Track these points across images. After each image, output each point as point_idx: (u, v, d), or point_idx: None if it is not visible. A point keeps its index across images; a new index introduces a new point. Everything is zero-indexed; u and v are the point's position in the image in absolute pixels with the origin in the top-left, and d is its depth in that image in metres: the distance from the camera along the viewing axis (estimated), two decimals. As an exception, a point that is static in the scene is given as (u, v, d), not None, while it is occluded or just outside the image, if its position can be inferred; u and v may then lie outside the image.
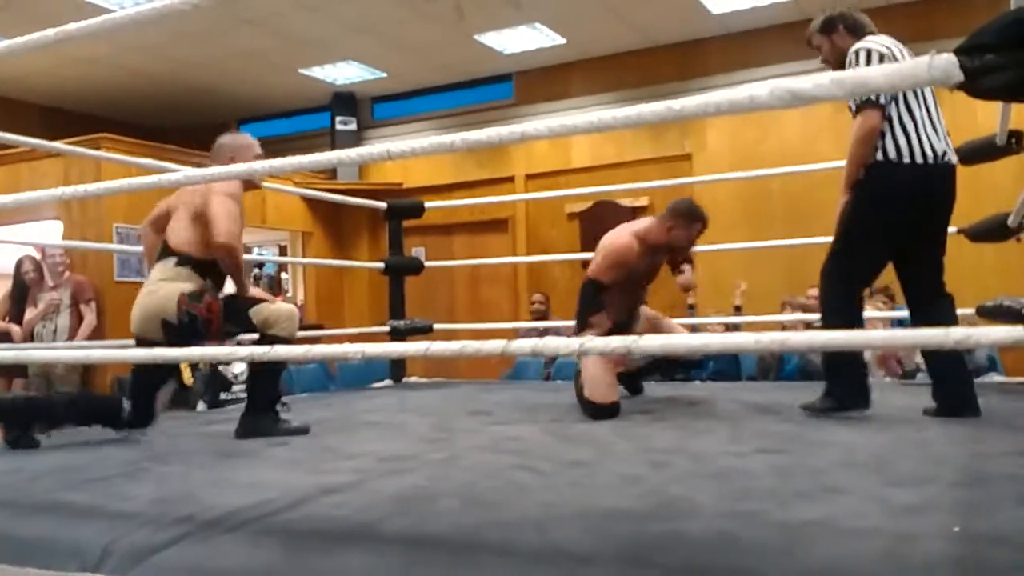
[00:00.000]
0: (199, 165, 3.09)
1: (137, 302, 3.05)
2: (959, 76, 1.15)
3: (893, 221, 2.81)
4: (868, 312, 4.42)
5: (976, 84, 1.14)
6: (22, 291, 6.35)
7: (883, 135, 2.78)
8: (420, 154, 1.70)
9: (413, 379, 5.31)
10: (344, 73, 8.83)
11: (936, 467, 2.06)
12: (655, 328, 3.60)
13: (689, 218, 3.50)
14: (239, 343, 3.75)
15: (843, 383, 2.84)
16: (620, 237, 3.59)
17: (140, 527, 1.70)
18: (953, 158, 2.83)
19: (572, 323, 6.83)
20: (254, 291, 3.36)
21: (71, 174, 6.72)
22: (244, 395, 6.00)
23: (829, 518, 1.60)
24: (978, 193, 4.89)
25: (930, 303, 2.91)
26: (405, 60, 8.42)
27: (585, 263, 7.99)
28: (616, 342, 1.45)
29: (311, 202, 8.72)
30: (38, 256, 6.46)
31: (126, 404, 3.02)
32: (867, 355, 3.92)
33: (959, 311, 3.00)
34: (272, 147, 9.24)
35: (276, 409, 3.06)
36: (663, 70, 7.93)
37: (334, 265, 8.91)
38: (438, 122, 9.11)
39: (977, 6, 2.49)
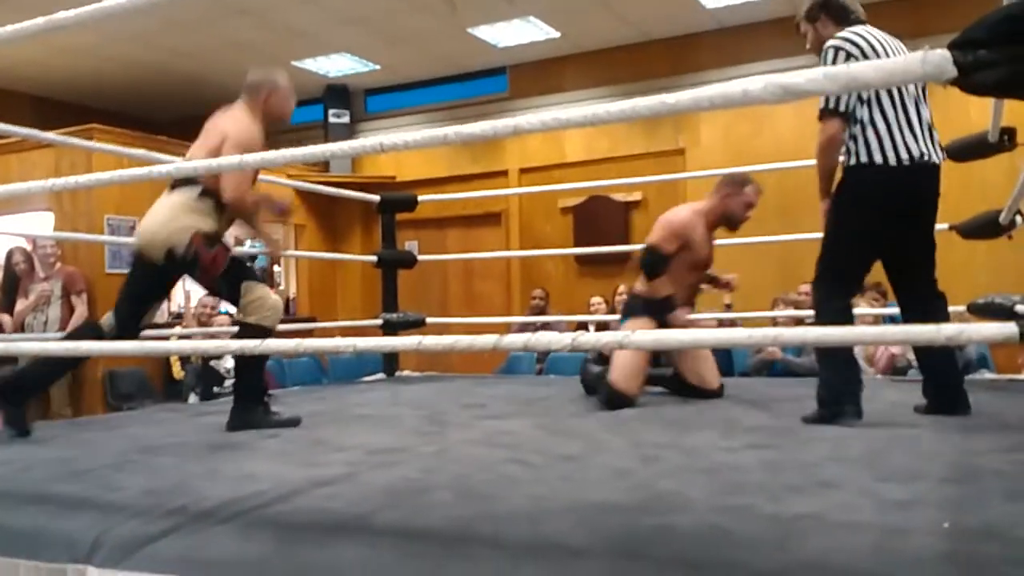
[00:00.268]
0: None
1: (152, 220, 2.98)
2: (952, 72, 1.15)
3: (873, 224, 2.76)
4: (860, 309, 4.44)
5: (969, 80, 1.14)
6: (13, 282, 6.32)
7: (855, 139, 2.74)
8: (413, 147, 1.70)
9: (406, 373, 5.31)
10: (337, 65, 8.80)
11: (926, 463, 2.07)
12: (692, 357, 3.59)
13: (740, 183, 3.63)
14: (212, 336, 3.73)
15: (835, 389, 2.75)
16: (679, 212, 3.70)
17: (131, 518, 1.69)
18: (935, 158, 2.76)
19: (567, 318, 6.89)
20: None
21: (62, 165, 6.69)
22: (235, 388, 5.98)
23: (820, 512, 1.61)
24: (970, 190, 4.91)
25: (922, 304, 2.86)
26: (399, 52, 8.39)
27: (578, 258, 8.07)
28: (608, 336, 1.45)
29: (304, 195, 8.70)
30: (29, 247, 6.43)
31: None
32: (857, 351, 3.93)
33: (950, 308, 3.00)
34: (264, 139, 9.22)
35: (266, 401, 3.06)
36: (657, 65, 7.92)
37: (327, 258, 8.88)
38: (432, 115, 9.09)
39: (967, 2, 2.48)
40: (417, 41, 8.09)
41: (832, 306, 2.80)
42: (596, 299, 6.98)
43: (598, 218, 8.10)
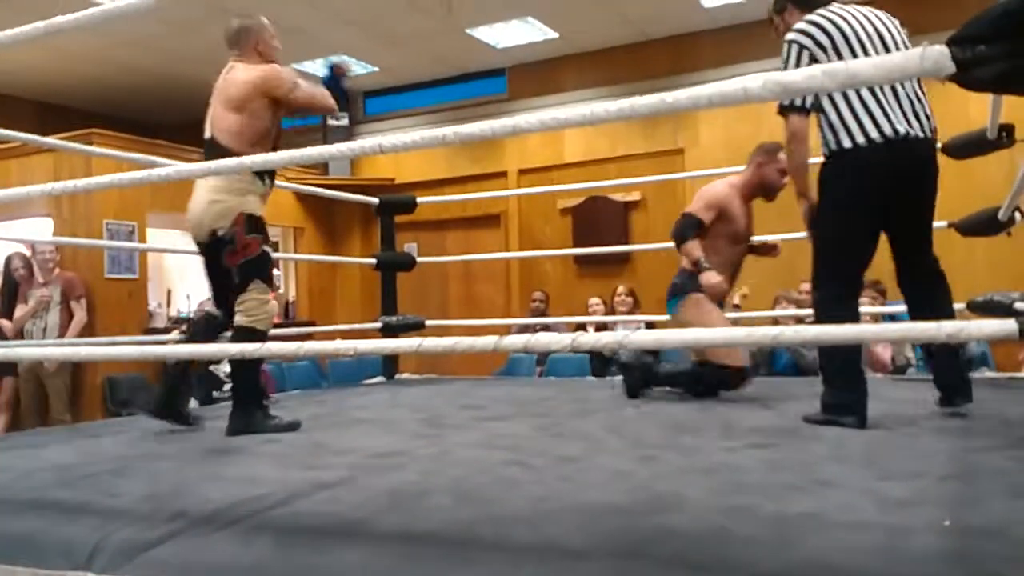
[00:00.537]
0: (192, 160, 3.09)
1: (194, 205, 3.04)
2: (951, 67, 1.14)
3: (859, 212, 2.65)
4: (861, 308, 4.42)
5: (967, 75, 1.14)
6: (12, 288, 6.32)
7: (830, 127, 2.63)
8: (412, 148, 1.70)
9: (405, 375, 5.30)
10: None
11: (926, 461, 2.06)
12: None
13: (773, 151, 3.62)
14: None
15: (841, 394, 2.65)
16: (715, 185, 3.72)
17: (131, 524, 1.69)
18: (919, 132, 2.60)
19: (566, 319, 6.88)
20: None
21: (61, 170, 6.69)
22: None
23: (820, 512, 1.60)
24: (969, 187, 4.90)
25: (922, 282, 2.78)
26: (397, 54, 8.39)
27: (578, 258, 8.06)
28: (607, 337, 1.44)
29: (303, 197, 8.70)
30: (28, 253, 6.42)
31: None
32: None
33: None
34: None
35: (264, 405, 3.05)
36: (655, 64, 7.92)
37: (326, 261, 8.87)
38: (430, 117, 9.09)
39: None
40: (415, 42, 8.09)
41: (832, 306, 2.66)
42: (594, 300, 6.98)
43: (597, 219, 8.09)
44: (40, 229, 7.15)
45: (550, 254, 8.04)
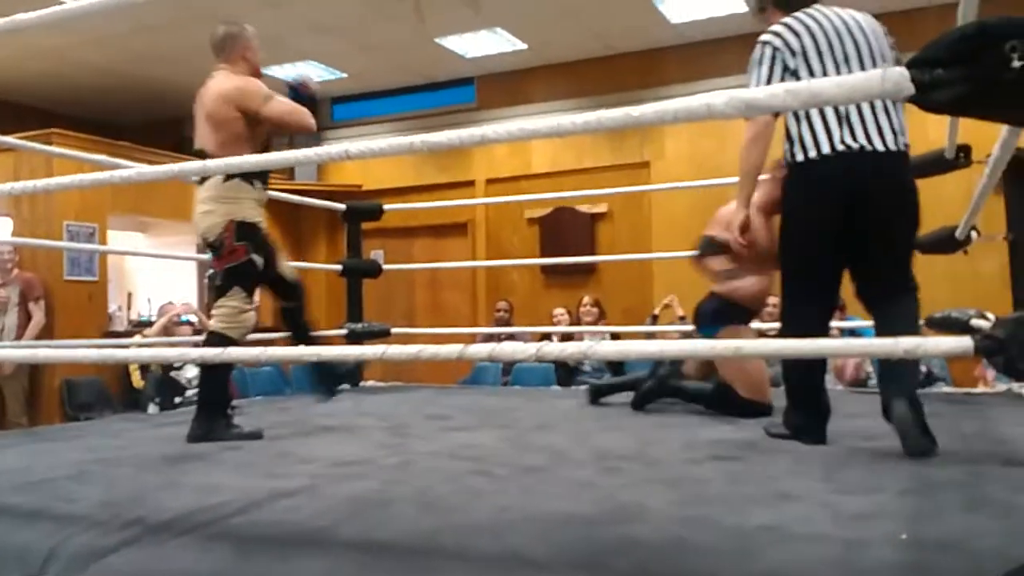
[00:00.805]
0: (155, 162, 3.07)
1: (196, 216, 3.08)
2: (911, 89, 1.17)
3: (814, 224, 2.56)
4: None
5: (926, 97, 1.17)
6: (-31, 288, 6.20)
7: (790, 138, 2.55)
8: (380, 155, 1.70)
9: (370, 383, 5.27)
10: (303, 73, 8.75)
11: (884, 475, 2.09)
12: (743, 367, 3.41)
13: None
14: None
15: (800, 414, 2.64)
16: (732, 205, 3.45)
17: (87, 530, 1.66)
18: (883, 146, 2.46)
19: (531, 329, 6.90)
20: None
21: (21, 170, 6.58)
22: (196, 399, 5.91)
23: (780, 524, 1.62)
24: (928, 206, 4.98)
25: (887, 300, 2.56)
26: (366, 61, 8.37)
27: (544, 268, 8.08)
28: (571, 347, 1.45)
29: (268, 202, 8.60)
30: (-14, 253, 6.31)
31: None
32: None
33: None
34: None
35: (228, 413, 3.02)
36: (624, 78, 7.98)
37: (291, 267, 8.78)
38: (399, 124, 9.07)
39: (927, 21, 2.52)
40: (385, 50, 8.08)
41: (794, 323, 2.60)
42: (559, 310, 7.01)
43: (564, 229, 8.13)
44: (-2, 229, 7.03)
45: (517, 263, 8.06)
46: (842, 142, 2.46)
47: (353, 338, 4.99)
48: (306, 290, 3.39)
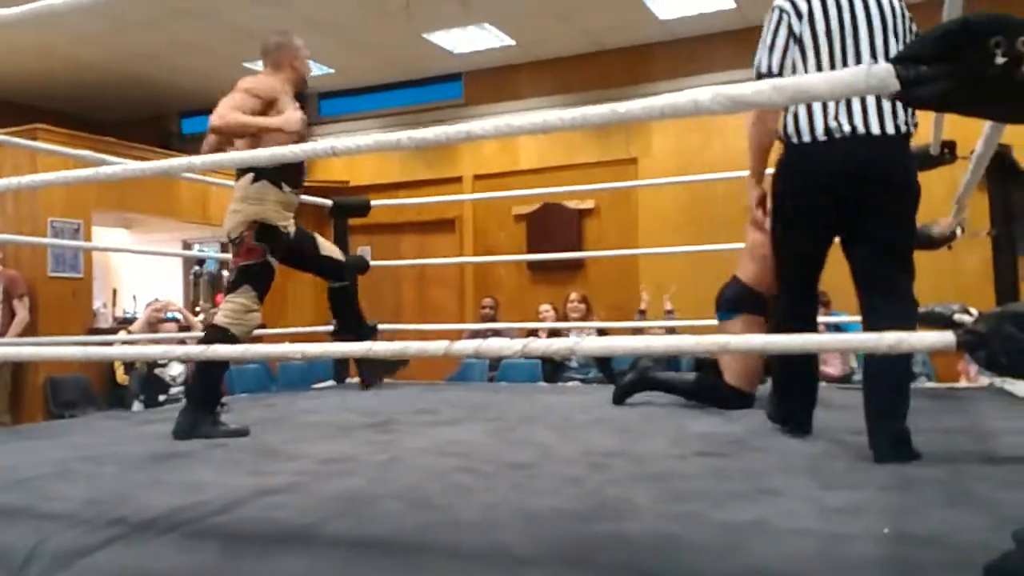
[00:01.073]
0: (140, 158, 3.05)
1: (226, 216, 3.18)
2: (896, 85, 1.17)
3: (802, 211, 2.48)
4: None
5: (910, 93, 1.17)
6: (-48, 286, 6.15)
7: (785, 116, 2.46)
8: (366, 151, 1.69)
9: (356, 380, 5.25)
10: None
11: (868, 471, 2.10)
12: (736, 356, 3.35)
13: None
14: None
15: (786, 402, 2.64)
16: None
17: (69, 529, 1.65)
18: (880, 130, 2.34)
19: (518, 325, 6.90)
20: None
21: (5, 166, 6.53)
22: (182, 396, 5.90)
23: (765, 519, 1.63)
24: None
25: (878, 296, 2.41)
26: (353, 56, 8.34)
27: (531, 265, 8.08)
28: (557, 343, 1.45)
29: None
30: (-32, 250, 6.26)
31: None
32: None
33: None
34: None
35: (215, 411, 3.01)
36: (611, 74, 7.99)
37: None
38: (386, 120, 9.05)
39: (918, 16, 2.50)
40: (372, 45, 8.06)
41: (782, 315, 2.61)
42: (544, 306, 7.01)
43: (551, 225, 8.13)
44: (-19, 226, 6.97)
45: (504, 259, 8.06)
46: (836, 125, 2.36)
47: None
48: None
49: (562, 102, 8.18)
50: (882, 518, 1.63)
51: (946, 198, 4.12)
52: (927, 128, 3.49)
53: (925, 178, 4.01)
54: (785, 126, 2.46)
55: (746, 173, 2.73)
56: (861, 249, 2.46)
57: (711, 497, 1.83)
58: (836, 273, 2.62)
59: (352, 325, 3.70)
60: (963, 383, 5.02)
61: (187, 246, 10.16)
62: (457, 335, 6.51)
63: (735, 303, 3.41)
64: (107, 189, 7.21)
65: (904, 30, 2.44)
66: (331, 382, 5.09)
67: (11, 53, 7.96)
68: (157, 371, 6.12)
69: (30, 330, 6.21)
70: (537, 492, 1.94)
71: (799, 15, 2.45)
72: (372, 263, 5.48)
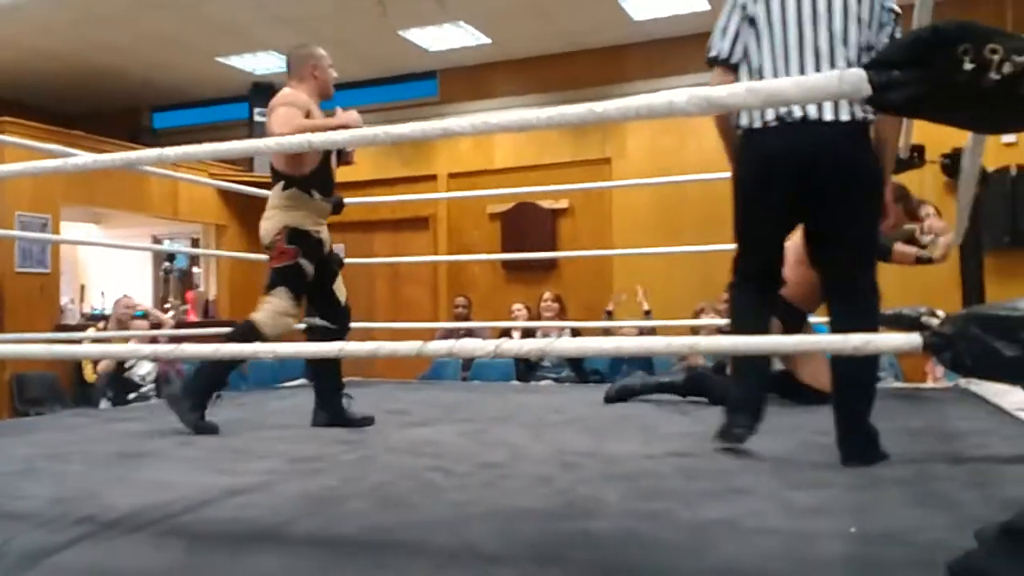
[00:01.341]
0: (106, 152, 3.02)
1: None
2: (868, 90, 1.19)
3: (752, 197, 2.39)
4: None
5: (882, 98, 1.19)
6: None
7: None
8: (341, 146, 1.68)
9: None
10: (264, 63, 8.64)
11: (834, 471, 2.13)
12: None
13: None
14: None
15: (735, 401, 2.45)
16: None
17: (36, 527, 1.63)
18: (829, 115, 2.23)
19: (491, 324, 6.89)
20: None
21: (-30, 158, 6.42)
22: (151, 394, 5.84)
23: (733, 518, 1.64)
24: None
25: (843, 296, 2.35)
26: (328, 53, 8.25)
27: (505, 263, 8.09)
28: (530, 344, 1.45)
29: (226, 194, 8.52)
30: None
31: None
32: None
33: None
34: (187, 137, 8.98)
35: (204, 404, 3.00)
36: (587, 74, 8.00)
37: (249, 259, 8.68)
38: (361, 117, 8.99)
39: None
40: (347, 42, 8.01)
41: (732, 303, 2.51)
42: (517, 306, 7.01)
43: (526, 224, 8.14)
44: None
45: (478, 258, 8.05)
46: (786, 111, 2.24)
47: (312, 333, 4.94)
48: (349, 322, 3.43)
49: (537, 101, 8.18)
50: (849, 517, 1.65)
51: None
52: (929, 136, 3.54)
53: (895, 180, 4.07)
54: (739, 113, 2.38)
55: (719, 175, 2.71)
56: (823, 247, 2.38)
57: (680, 496, 1.84)
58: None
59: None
60: (930, 383, 5.09)
61: (157, 241, 10.06)
62: (430, 333, 6.50)
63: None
64: (75, 183, 7.12)
65: (870, 16, 2.30)
66: (303, 380, 5.06)
67: (-23, 44, 7.82)
68: (127, 373, 6.03)
69: (-5, 326, 6.12)
70: (508, 491, 1.95)
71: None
72: (346, 261, 5.45)
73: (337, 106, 3.34)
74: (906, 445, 2.43)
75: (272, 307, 3.08)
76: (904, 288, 5.19)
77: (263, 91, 9.19)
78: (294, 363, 5.38)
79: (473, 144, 8.34)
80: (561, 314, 6.69)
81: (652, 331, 5.83)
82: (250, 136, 8.93)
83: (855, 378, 2.28)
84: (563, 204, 8.11)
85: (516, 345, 1.50)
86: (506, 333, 6.30)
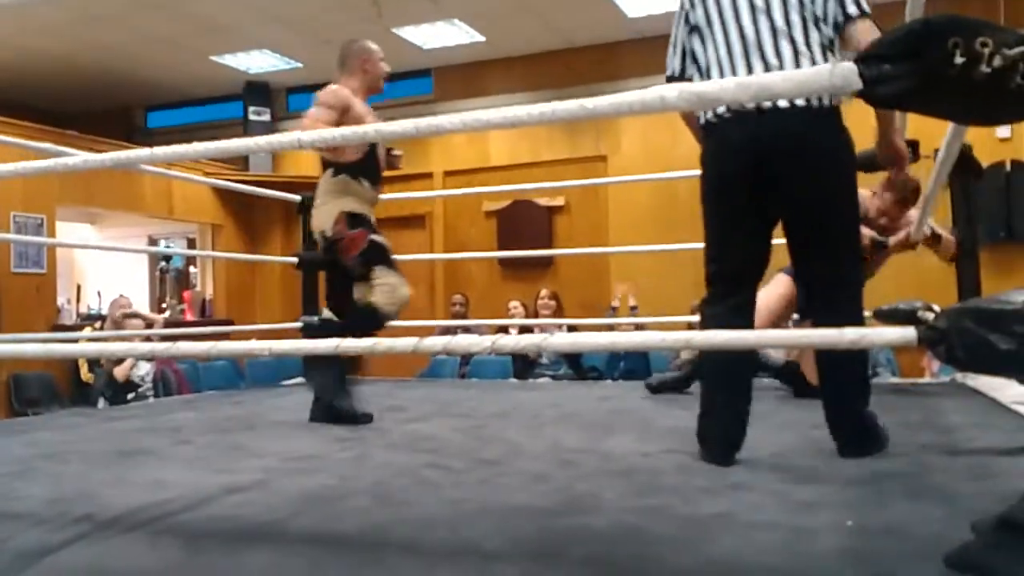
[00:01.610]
0: (101, 152, 3.00)
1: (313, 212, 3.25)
2: (858, 84, 1.19)
3: (714, 194, 2.31)
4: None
5: (873, 91, 1.19)
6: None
7: None
8: (335, 144, 1.68)
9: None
10: (258, 62, 8.63)
11: (832, 465, 2.13)
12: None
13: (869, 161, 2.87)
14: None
15: (705, 407, 2.29)
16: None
17: (33, 527, 1.63)
18: (785, 102, 2.10)
19: (488, 322, 6.90)
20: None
21: (-36, 159, 6.40)
22: (149, 394, 5.84)
23: (731, 513, 1.64)
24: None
25: (820, 298, 2.29)
26: (321, 50, 8.26)
27: (502, 261, 8.09)
28: (526, 340, 1.45)
29: (222, 194, 8.50)
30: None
31: None
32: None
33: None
34: (181, 136, 8.97)
35: (346, 390, 3.12)
36: (581, 72, 8.00)
37: (245, 259, 8.69)
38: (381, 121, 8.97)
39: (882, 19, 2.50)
40: (340, 40, 7.96)
41: (705, 314, 2.37)
42: (514, 303, 7.02)
43: (522, 222, 8.14)
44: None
45: (475, 256, 8.05)
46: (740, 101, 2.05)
47: (309, 331, 4.94)
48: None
49: (531, 99, 8.17)
50: (846, 511, 1.65)
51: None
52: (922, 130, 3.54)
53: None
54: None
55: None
56: (798, 244, 2.29)
57: (678, 491, 1.85)
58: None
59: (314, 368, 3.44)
60: (927, 378, 5.10)
61: (153, 241, 10.04)
62: (428, 331, 6.50)
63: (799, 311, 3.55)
64: (70, 184, 7.10)
65: (817, 5, 2.19)
66: (300, 379, 5.06)
67: (-30, 44, 7.80)
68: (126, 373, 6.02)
69: (-8, 327, 6.11)
70: (506, 488, 1.95)
71: (692, 3, 2.34)
72: (341, 259, 5.45)
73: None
74: (903, 439, 2.44)
75: (388, 286, 3.06)
76: (899, 283, 5.21)
77: (257, 90, 9.20)
78: (292, 361, 5.39)
79: (468, 142, 8.34)
80: (558, 311, 6.70)
81: (641, 328, 5.86)
82: (244, 134, 8.93)
83: (846, 371, 2.24)
84: (559, 201, 8.11)
85: (512, 341, 1.50)
86: (503, 331, 6.30)
